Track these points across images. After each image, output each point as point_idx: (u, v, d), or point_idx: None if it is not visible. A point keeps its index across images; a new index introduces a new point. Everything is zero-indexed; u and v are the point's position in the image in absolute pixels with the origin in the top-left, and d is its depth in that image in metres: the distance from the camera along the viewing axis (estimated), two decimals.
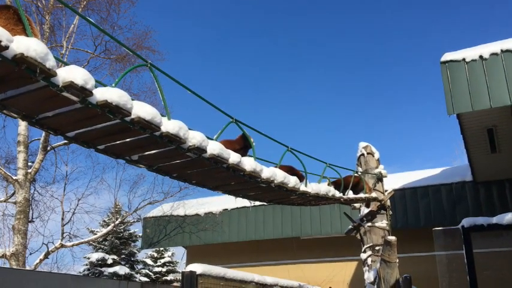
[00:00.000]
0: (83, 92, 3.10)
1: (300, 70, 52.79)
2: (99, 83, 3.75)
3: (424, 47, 48.89)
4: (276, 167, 5.71)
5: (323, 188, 6.49)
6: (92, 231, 23.90)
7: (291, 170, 5.99)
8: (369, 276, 8.43)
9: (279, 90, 53.64)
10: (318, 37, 51.94)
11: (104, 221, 25.04)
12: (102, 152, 4.12)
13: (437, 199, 12.59)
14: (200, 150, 4.20)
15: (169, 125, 3.84)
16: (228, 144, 5.13)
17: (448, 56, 8.83)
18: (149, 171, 4.69)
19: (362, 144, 10.04)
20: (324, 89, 52.58)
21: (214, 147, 4.36)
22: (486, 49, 8.51)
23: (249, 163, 4.91)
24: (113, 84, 3.53)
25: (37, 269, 14.38)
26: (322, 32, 52.19)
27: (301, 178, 6.07)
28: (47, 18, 14.98)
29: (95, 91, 3.26)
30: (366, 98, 52.97)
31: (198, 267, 7.42)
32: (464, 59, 8.60)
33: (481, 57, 8.49)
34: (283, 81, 52.59)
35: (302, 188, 6.04)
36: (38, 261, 14.79)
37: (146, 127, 3.63)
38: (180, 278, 7.43)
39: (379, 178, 9.55)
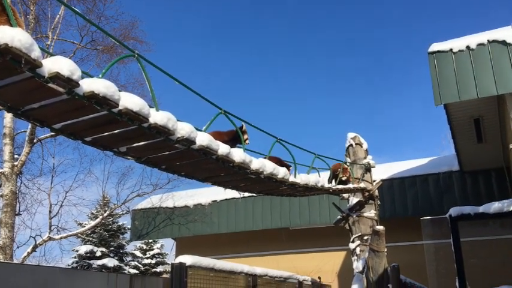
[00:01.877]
0: (69, 83, 3.06)
1: (288, 59, 52.71)
2: (86, 74, 3.71)
3: (414, 36, 49.04)
4: (265, 158, 5.72)
5: (312, 178, 6.52)
6: (80, 224, 23.76)
7: (279, 162, 6.00)
8: (357, 265, 8.50)
9: (271, 79, 53.55)
10: (307, 26, 51.87)
11: (92, 213, 24.90)
12: (90, 144, 4.09)
13: (424, 189, 12.70)
14: (189, 141, 4.18)
15: (158, 116, 3.81)
16: (217, 135, 5.12)
17: (435, 47, 8.85)
18: (138, 163, 4.66)
19: (350, 134, 10.08)
20: (313, 78, 52.64)
21: (203, 139, 4.34)
22: (473, 39, 8.54)
23: (238, 154, 4.90)
24: (100, 75, 3.49)
25: (25, 262, 14.28)
26: (311, 21, 52.09)
27: (288, 169, 6.08)
28: (31, 8, 14.74)
29: (81, 82, 3.22)
30: (356, 88, 53.16)
31: (187, 259, 7.39)
32: (451, 50, 8.62)
33: (468, 47, 8.51)
34: (274, 70, 52.50)
35: (291, 179, 6.06)
36: (25, 254, 14.69)
37: (134, 118, 3.60)
38: (170, 269, 7.42)
39: (367, 168, 9.62)
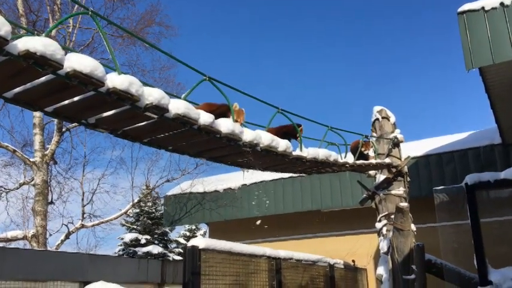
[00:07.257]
0: None
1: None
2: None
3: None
4: (265, 130, 5.26)
5: (321, 152, 5.97)
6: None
7: (281, 129, 5.50)
8: (382, 246, 7.92)
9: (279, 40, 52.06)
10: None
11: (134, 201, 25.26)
12: (53, 115, 3.79)
13: (464, 165, 11.80)
14: (160, 109, 3.78)
15: (117, 80, 3.43)
16: (207, 107, 4.71)
17: (466, 6, 8.09)
18: (115, 136, 4.33)
19: (376, 108, 9.43)
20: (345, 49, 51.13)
21: (178, 106, 3.93)
22: None
23: (225, 124, 4.46)
24: (43, 34, 3.15)
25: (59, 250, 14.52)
26: None
27: (294, 135, 5.57)
28: None
29: (18, 41, 2.91)
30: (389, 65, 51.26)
31: (200, 242, 7.09)
32: (483, 8, 7.82)
33: (502, 4, 7.70)
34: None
35: (296, 152, 5.57)
36: (59, 242, 14.95)
37: (86, 82, 3.24)
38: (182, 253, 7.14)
39: (395, 143, 8.96)
